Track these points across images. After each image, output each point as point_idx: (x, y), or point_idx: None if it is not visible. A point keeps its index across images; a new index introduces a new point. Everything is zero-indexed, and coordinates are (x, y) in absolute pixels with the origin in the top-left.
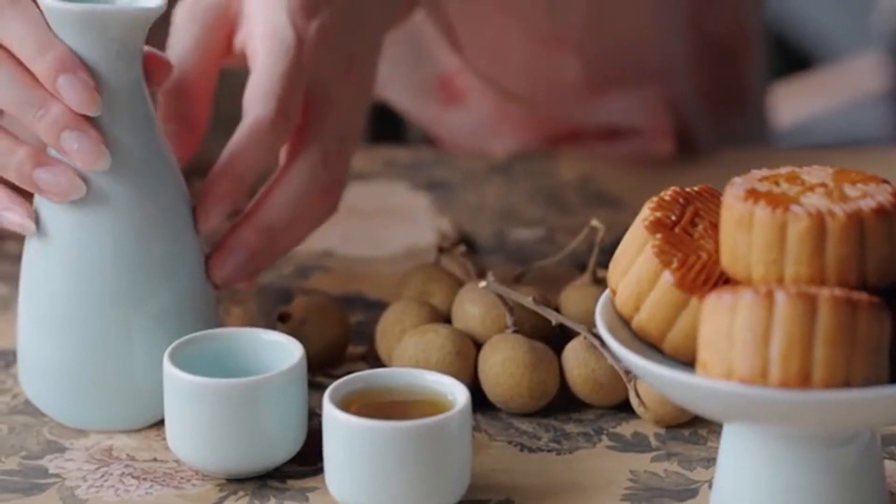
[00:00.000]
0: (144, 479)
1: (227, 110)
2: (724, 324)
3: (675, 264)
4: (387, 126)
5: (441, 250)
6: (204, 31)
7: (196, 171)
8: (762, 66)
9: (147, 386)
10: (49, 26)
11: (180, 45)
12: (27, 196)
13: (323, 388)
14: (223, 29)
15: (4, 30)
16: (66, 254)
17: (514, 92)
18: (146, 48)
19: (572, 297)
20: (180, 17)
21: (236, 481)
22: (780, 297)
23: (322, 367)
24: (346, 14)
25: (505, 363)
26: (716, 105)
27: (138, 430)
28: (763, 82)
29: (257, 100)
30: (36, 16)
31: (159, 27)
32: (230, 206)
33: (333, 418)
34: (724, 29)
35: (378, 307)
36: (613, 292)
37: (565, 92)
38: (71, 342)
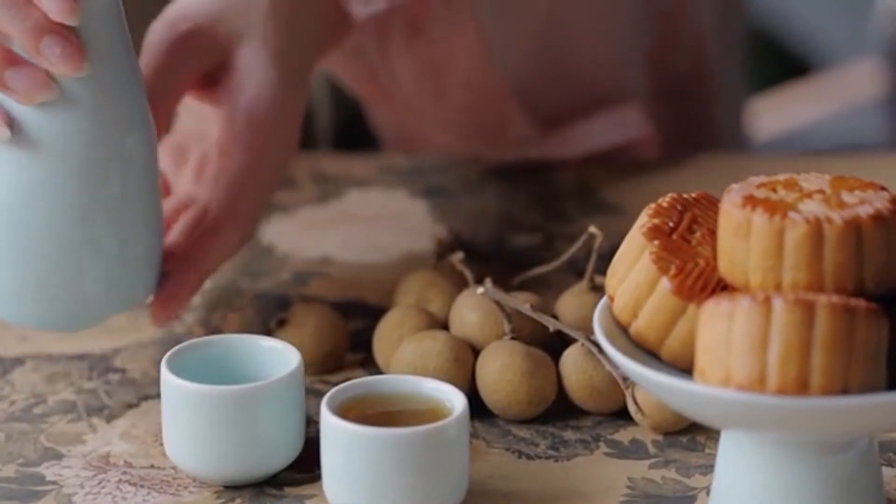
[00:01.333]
0: (142, 486)
1: None
2: (721, 330)
3: (672, 271)
4: (358, 135)
5: (439, 257)
6: (174, 60)
7: None
8: (734, 102)
9: (92, 288)
10: None
11: (146, 69)
12: None
13: (321, 394)
14: (196, 62)
15: None
16: (19, 152)
17: (458, 137)
18: None
19: (570, 303)
20: (154, 37)
21: (234, 488)
22: (778, 304)
23: (320, 373)
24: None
25: (503, 370)
26: (679, 143)
27: (135, 436)
28: (736, 118)
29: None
30: None
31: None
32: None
33: (331, 425)
34: (685, 69)
35: (376, 313)
36: (611, 299)
37: (515, 133)
38: (17, 241)
